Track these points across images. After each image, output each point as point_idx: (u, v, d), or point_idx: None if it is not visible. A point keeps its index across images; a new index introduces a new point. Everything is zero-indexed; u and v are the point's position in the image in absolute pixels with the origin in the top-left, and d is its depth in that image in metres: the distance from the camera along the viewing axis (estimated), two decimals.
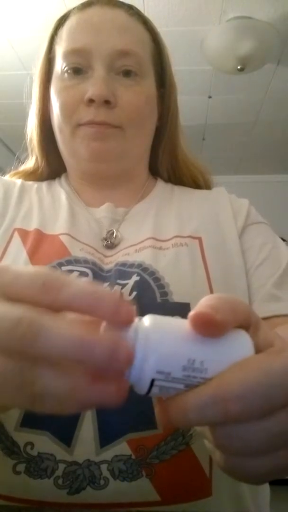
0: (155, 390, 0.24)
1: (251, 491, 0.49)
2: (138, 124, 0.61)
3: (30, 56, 2.30)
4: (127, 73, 0.59)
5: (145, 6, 1.94)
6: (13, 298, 0.24)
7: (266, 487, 0.55)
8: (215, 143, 3.33)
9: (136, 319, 0.25)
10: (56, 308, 0.23)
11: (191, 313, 0.24)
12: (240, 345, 0.25)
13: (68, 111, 0.59)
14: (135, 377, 0.24)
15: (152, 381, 0.24)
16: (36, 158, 0.71)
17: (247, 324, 0.26)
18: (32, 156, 0.72)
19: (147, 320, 0.25)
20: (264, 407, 0.23)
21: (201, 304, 0.25)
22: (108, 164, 0.62)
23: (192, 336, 0.24)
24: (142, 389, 0.24)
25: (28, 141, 0.71)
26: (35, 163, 0.71)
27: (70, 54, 0.59)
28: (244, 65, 2.17)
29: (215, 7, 1.98)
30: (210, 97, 2.72)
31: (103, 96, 0.56)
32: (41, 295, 0.23)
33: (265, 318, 0.53)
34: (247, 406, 0.22)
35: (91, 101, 0.57)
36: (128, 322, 0.24)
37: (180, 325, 0.25)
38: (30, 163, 0.72)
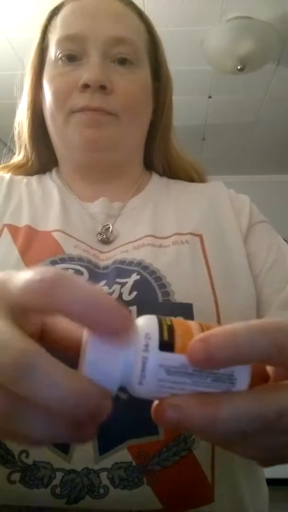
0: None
1: (251, 495, 0.49)
2: (133, 112, 0.59)
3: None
4: (122, 61, 0.58)
5: (145, 6, 1.93)
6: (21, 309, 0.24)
7: (265, 490, 0.54)
8: (215, 143, 3.31)
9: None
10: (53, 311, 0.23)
11: (191, 344, 0.23)
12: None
13: (61, 97, 0.57)
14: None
15: None
16: (26, 151, 0.68)
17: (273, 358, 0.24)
18: (20, 150, 0.69)
19: (151, 346, 0.24)
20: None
21: (208, 335, 0.23)
22: (102, 153, 0.60)
23: (189, 368, 0.24)
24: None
25: (16, 134, 0.69)
26: (24, 157, 0.69)
27: (65, 40, 0.58)
28: (244, 65, 2.17)
29: (215, 7, 1.97)
30: (210, 97, 2.71)
31: (99, 81, 0.55)
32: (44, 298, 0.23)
33: None
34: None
35: (86, 86, 0.55)
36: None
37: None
38: (18, 157, 0.69)
